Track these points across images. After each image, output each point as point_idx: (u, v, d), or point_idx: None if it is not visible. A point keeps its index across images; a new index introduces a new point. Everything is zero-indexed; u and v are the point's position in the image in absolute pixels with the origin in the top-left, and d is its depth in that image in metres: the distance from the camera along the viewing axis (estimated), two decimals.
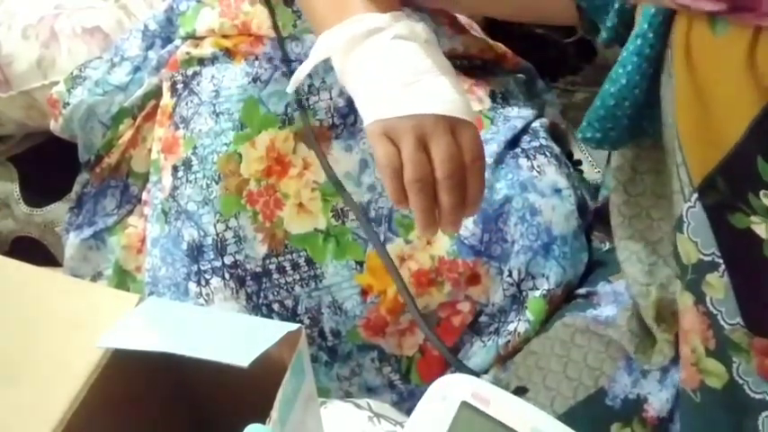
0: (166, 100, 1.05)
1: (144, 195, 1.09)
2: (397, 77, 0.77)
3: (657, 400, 0.84)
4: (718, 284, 0.71)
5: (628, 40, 0.77)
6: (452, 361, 0.89)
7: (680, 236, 0.73)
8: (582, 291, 0.97)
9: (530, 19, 1.12)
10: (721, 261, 0.71)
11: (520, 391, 0.89)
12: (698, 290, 0.73)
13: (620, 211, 0.86)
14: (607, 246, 1.01)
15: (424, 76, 0.78)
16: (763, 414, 0.72)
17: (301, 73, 0.86)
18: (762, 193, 0.66)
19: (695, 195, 0.70)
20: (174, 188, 1.00)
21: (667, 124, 0.75)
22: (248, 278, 0.95)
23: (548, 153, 1.01)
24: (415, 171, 0.76)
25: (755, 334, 0.71)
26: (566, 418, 0.83)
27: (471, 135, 0.78)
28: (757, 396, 0.72)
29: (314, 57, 0.83)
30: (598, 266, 0.99)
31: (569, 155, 1.14)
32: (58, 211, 1.21)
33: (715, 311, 0.72)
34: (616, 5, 0.83)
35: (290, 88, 0.90)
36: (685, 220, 0.72)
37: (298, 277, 0.95)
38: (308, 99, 0.98)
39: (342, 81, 0.83)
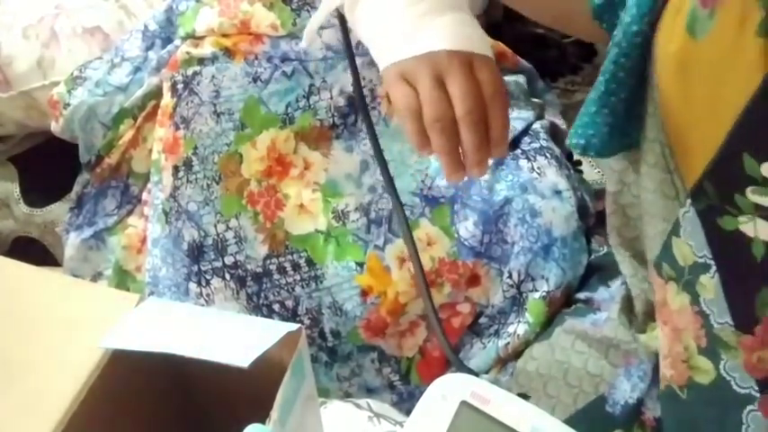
0: (167, 100, 1.05)
1: (144, 195, 1.09)
2: (408, 18, 0.75)
3: (651, 400, 0.85)
4: (709, 285, 0.73)
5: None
6: (454, 359, 0.89)
7: (676, 239, 0.75)
8: (581, 296, 0.97)
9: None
10: (712, 262, 0.72)
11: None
12: (693, 290, 0.75)
13: (626, 213, 0.87)
14: (605, 249, 1.01)
15: (435, 14, 0.75)
16: (748, 407, 0.74)
17: (313, 25, 0.83)
18: (749, 189, 0.68)
19: (689, 200, 0.72)
20: (175, 188, 1.00)
21: (649, 138, 0.76)
22: (249, 278, 0.95)
23: (548, 154, 1.01)
24: (434, 110, 0.73)
25: (743, 332, 0.72)
26: (566, 425, 0.84)
27: (489, 69, 0.75)
28: (744, 391, 0.74)
29: (323, 8, 0.81)
30: (597, 270, 0.99)
31: (570, 156, 1.14)
32: (58, 211, 1.21)
33: (708, 311, 0.74)
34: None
35: (304, 43, 0.87)
36: (682, 224, 0.74)
37: (298, 278, 0.95)
38: (308, 99, 0.98)
39: (356, 32, 0.81)
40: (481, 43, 0.76)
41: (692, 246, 0.73)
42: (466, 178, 0.78)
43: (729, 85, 0.66)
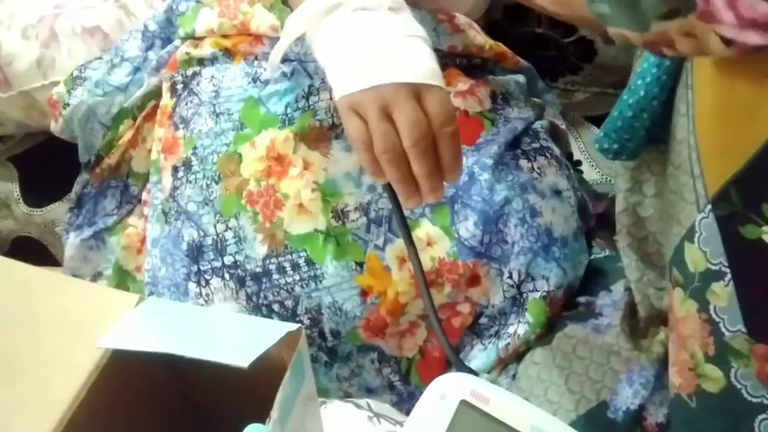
0: (166, 100, 1.06)
1: (144, 195, 1.09)
2: (357, 50, 0.76)
3: (653, 406, 0.85)
4: (722, 293, 0.72)
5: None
6: (454, 359, 0.89)
7: (689, 245, 0.74)
8: (582, 300, 0.97)
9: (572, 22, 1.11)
10: (728, 270, 0.72)
11: None
12: (702, 297, 0.74)
13: (636, 212, 0.86)
14: (606, 252, 1.01)
15: (384, 45, 0.76)
16: (760, 417, 0.74)
17: (276, 55, 0.85)
18: None
19: (709, 207, 0.71)
20: (174, 188, 1.00)
21: (678, 139, 0.75)
22: (248, 278, 0.95)
23: (548, 154, 1.01)
24: (382, 142, 0.74)
25: (757, 340, 0.72)
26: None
27: (438, 100, 0.75)
28: (755, 399, 0.74)
29: (284, 38, 0.82)
30: (598, 274, 0.99)
31: (569, 155, 1.14)
32: (58, 211, 1.21)
33: (717, 319, 0.73)
34: None
35: (269, 73, 0.89)
36: (697, 230, 0.73)
37: (298, 278, 0.95)
38: (307, 99, 0.98)
39: (316, 59, 0.82)
40: (431, 73, 0.77)
41: (706, 252, 0.73)
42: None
43: None
